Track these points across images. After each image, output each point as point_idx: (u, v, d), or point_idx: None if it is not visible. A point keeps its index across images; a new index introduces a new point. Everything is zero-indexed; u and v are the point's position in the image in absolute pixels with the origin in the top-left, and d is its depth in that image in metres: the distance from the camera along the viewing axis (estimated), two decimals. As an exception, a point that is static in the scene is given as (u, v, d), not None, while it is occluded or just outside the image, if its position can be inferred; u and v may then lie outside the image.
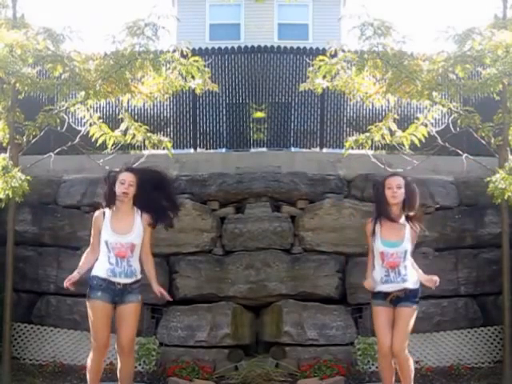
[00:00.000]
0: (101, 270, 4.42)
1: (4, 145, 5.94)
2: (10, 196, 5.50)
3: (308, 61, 6.42)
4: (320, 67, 5.75)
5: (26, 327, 6.68)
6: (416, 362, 6.36)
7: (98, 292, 4.37)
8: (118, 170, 4.57)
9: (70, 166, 7.27)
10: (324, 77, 5.78)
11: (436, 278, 4.55)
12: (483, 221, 6.85)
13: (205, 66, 5.83)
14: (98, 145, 6.13)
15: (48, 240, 7.03)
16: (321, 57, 5.80)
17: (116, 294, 4.40)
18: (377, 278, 4.52)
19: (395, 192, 4.47)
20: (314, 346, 6.42)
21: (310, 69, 5.87)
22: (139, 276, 4.51)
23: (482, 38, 5.57)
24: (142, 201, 4.51)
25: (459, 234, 6.86)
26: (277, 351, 6.47)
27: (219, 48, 9.59)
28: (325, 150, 9.31)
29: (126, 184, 4.42)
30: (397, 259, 4.42)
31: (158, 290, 4.59)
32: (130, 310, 4.43)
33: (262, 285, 6.56)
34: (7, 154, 5.77)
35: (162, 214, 4.59)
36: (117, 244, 4.40)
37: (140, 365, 6.34)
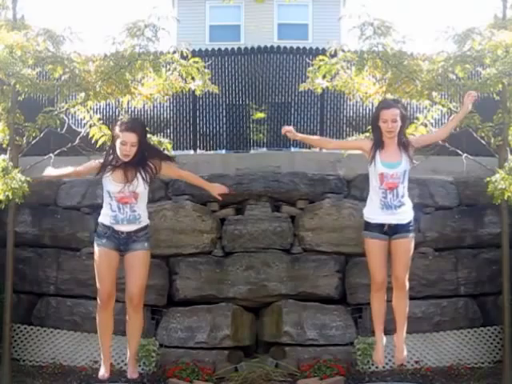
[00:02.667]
0: (104, 217, 4.29)
1: (4, 146, 5.94)
2: (10, 197, 5.50)
3: (308, 61, 6.42)
4: (320, 67, 5.74)
5: (25, 328, 6.68)
6: (416, 362, 6.38)
7: (103, 239, 4.25)
8: (117, 125, 4.31)
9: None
10: (324, 77, 5.78)
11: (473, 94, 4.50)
12: (483, 221, 6.85)
13: (205, 67, 5.83)
14: (97, 146, 6.12)
15: (48, 241, 7.03)
16: (321, 57, 5.80)
17: (121, 242, 4.25)
18: (374, 202, 4.33)
19: (391, 127, 4.27)
20: (314, 346, 6.43)
21: (310, 69, 5.87)
22: (144, 223, 4.31)
23: (481, 38, 5.57)
24: (142, 153, 4.27)
25: (459, 234, 6.86)
26: (277, 351, 6.48)
27: (219, 49, 9.59)
28: (324, 149, 9.31)
29: (127, 146, 4.18)
30: (396, 180, 4.28)
31: (217, 191, 4.53)
32: (137, 258, 4.26)
33: (262, 285, 6.56)
34: (7, 156, 5.77)
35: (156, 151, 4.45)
36: (119, 193, 4.22)
37: (140, 366, 6.33)
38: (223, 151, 9.53)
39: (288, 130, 4.53)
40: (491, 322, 6.57)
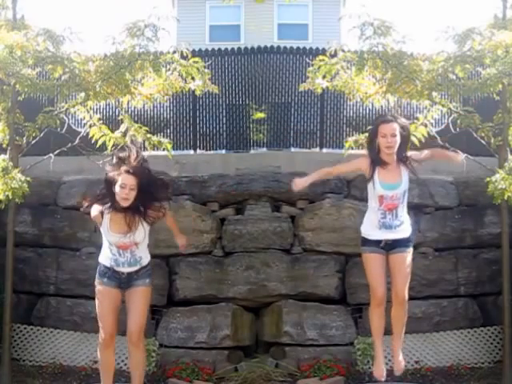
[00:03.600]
0: (105, 258, 4.28)
1: (4, 146, 5.94)
2: (10, 197, 5.50)
3: (308, 61, 6.42)
4: (320, 67, 5.74)
5: (25, 328, 6.68)
6: (416, 362, 6.38)
7: (104, 278, 4.24)
8: (115, 168, 4.23)
9: (70, 168, 7.27)
10: (324, 77, 5.77)
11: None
12: (483, 221, 6.85)
13: (205, 67, 5.83)
14: (97, 146, 6.12)
15: (48, 241, 7.03)
16: (321, 57, 5.80)
17: (122, 281, 4.24)
18: (372, 221, 4.27)
19: (390, 142, 4.18)
20: (314, 346, 6.43)
21: (310, 69, 5.87)
22: (145, 263, 4.30)
23: (481, 38, 5.57)
24: (141, 199, 4.20)
25: (459, 234, 6.86)
26: (277, 351, 6.48)
27: (219, 49, 9.60)
28: (325, 150, 9.32)
29: (126, 189, 4.10)
30: (396, 201, 4.20)
31: (181, 242, 4.62)
32: (138, 295, 4.24)
33: (262, 285, 6.56)
34: (7, 156, 5.77)
35: (158, 194, 4.31)
36: (119, 242, 4.22)
37: (140, 366, 6.33)
38: (223, 151, 9.54)
39: (296, 184, 4.43)
40: (491, 322, 6.56)
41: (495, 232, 6.55)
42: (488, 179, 5.51)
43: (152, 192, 4.24)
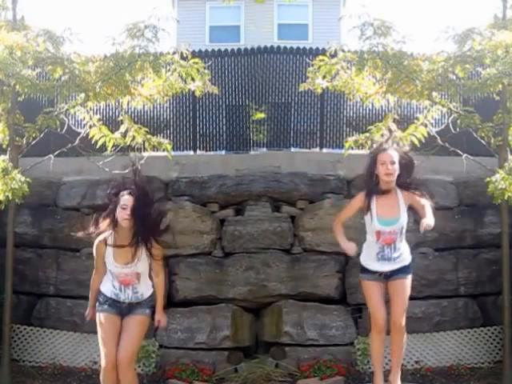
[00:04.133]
0: (106, 289, 4.31)
1: (4, 147, 5.95)
2: (10, 198, 5.50)
3: (308, 61, 6.42)
4: (320, 67, 5.74)
5: (25, 329, 6.68)
6: (416, 362, 6.38)
7: (105, 305, 4.28)
8: (117, 189, 4.28)
9: (70, 168, 7.27)
10: (324, 77, 5.77)
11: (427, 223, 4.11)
12: (483, 221, 6.85)
13: (205, 67, 5.83)
14: (97, 147, 6.12)
15: (48, 242, 7.03)
16: (321, 57, 5.79)
17: (123, 309, 4.28)
18: (370, 254, 4.25)
19: (389, 169, 4.13)
20: (314, 346, 6.42)
21: (310, 69, 5.87)
22: (146, 296, 4.33)
23: (481, 38, 5.57)
24: (139, 223, 4.20)
25: (459, 234, 6.86)
26: (277, 351, 6.47)
27: (219, 50, 9.60)
28: (325, 150, 9.32)
29: (128, 210, 4.15)
30: (393, 236, 4.17)
31: (158, 318, 4.43)
32: (134, 323, 4.25)
33: (262, 285, 6.55)
34: (7, 156, 5.78)
35: (152, 232, 4.29)
36: (121, 274, 4.23)
37: (140, 367, 6.33)
38: (223, 152, 9.53)
39: (351, 250, 4.35)
40: (491, 322, 6.56)
41: (495, 232, 6.54)
42: (488, 179, 5.50)
43: (148, 222, 4.26)
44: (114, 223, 4.22)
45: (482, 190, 5.76)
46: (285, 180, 7.01)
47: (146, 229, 4.21)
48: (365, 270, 4.32)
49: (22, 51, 5.61)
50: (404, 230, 4.25)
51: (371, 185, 4.23)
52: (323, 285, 6.61)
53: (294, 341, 6.43)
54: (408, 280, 4.28)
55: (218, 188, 7.02)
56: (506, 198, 5.43)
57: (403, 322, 4.27)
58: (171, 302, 6.70)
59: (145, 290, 4.32)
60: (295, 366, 6.28)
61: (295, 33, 15.54)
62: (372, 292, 4.27)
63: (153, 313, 4.42)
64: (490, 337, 6.53)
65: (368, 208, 4.20)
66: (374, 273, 4.27)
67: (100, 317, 4.27)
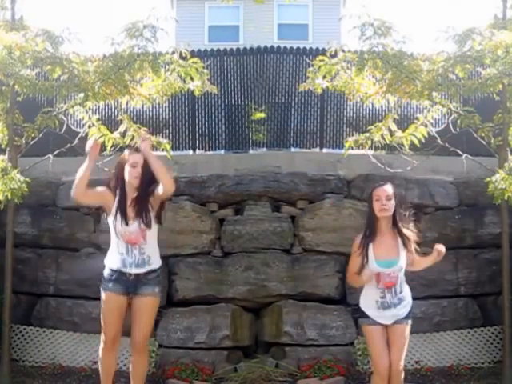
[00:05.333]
0: (111, 260, 4.13)
1: (3, 146, 5.94)
2: (9, 198, 5.49)
3: (308, 61, 6.41)
4: (320, 67, 5.73)
5: (25, 329, 6.67)
6: (416, 362, 6.38)
7: (110, 283, 4.08)
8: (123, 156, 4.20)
9: (69, 168, 7.21)
10: (324, 77, 5.76)
11: (440, 248, 4.24)
12: (483, 221, 6.84)
13: (204, 67, 5.82)
14: (96, 147, 6.09)
15: (47, 242, 7.02)
16: (321, 57, 5.78)
17: (129, 285, 4.07)
18: (371, 301, 4.20)
19: (384, 205, 4.09)
20: (314, 346, 6.42)
21: (310, 69, 5.86)
22: (155, 265, 4.14)
23: (481, 38, 5.56)
24: (147, 183, 4.13)
25: (459, 234, 6.85)
26: (277, 351, 6.47)
27: (218, 50, 9.59)
28: (325, 150, 9.32)
29: (138, 167, 4.05)
30: (393, 279, 4.11)
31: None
32: (145, 305, 4.09)
33: (261, 285, 6.55)
34: (6, 156, 5.77)
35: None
36: (125, 232, 4.05)
37: (140, 366, 6.33)
38: (222, 151, 9.52)
39: (368, 276, 4.23)
40: (491, 322, 6.56)
41: (495, 232, 6.54)
42: (488, 179, 5.50)
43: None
44: (121, 184, 4.10)
45: (482, 189, 5.75)
46: (285, 180, 7.00)
47: (149, 186, 4.10)
48: (365, 315, 4.25)
49: (21, 51, 5.59)
50: (403, 272, 4.22)
51: (370, 229, 4.19)
52: (323, 285, 6.61)
53: (294, 341, 6.42)
54: (408, 326, 4.25)
55: (217, 188, 7.02)
56: (506, 197, 5.42)
57: (401, 367, 4.23)
58: (171, 302, 6.70)
59: (152, 252, 4.11)
60: (295, 366, 6.28)
61: (295, 33, 15.55)
62: (374, 338, 4.19)
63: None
64: (490, 337, 6.53)
65: (365, 250, 4.14)
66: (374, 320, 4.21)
67: (105, 295, 4.11)
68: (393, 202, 4.11)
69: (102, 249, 6.17)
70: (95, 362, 6.30)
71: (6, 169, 5.54)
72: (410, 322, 4.27)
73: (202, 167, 7.43)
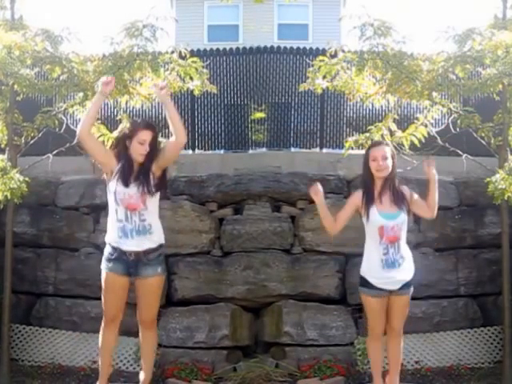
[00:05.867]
0: (111, 233, 3.94)
1: (2, 146, 5.93)
2: (9, 197, 5.49)
3: (308, 61, 6.40)
4: (320, 67, 5.73)
5: (24, 329, 6.66)
6: (416, 362, 6.37)
7: (110, 262, 3.91)
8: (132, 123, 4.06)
9: (69, 168, 7.26)
10: (324, 77, 5.76)
11: (426, 161, 4.24)
12: (483, 221, 6.84)
13: (203, 67, 5.82)
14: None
15: (46, 241, 7.02)
16: (321, 57, 5.78)
17: (130, 265, 3.88)
18: (373, 261, 4.06)
19: (381, 165, 4.03)
20: (314, 347, 6.41)
21: (310, 69, 5.85)
22: (157, 237, 3.92)
23: (481, 39, 5.56)
24: (152, 156, 3.98)
25: (459, 234, 6.85)
26: (277, 351, 6.47)
27: (217, 49, 9.58)
28: (325, 150, 9.32)
29: (145, 145, 3.87)
30: (397, 232, 4.02)
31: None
32: (149, 287, 3.92)
33: (262, 285, 6.54)
34: (5, 156, 5.76)
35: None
36: (125, 195, 3.84)
37: (139, 366, 6.31)
38: (222, 151, 9.52)
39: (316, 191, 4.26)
40: (491, 322, 6.56)
41: (495, 232, 6.54)
42: (488, 179, 5.49)
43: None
44: (124, 155, 3.93)
45: (482, 190, 5.75)
46: (285, 180, 7.00)
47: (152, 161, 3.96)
48: (367, 284, 4.13)
49: (21, 50, 5.59)
50: (405, 229, 4.15)
51: (368, 185, 4.15)
52: (323, 285, 6.61)
53: (294, 341, 6.42)
54: (410, 294, 4.21)
55: (216, 187, 7.02)
56: (506, 198, 5.42)
57: (401, 329, 4.29)
58: (170, 302, 6.70)
59: (153, 221, 3.90)
60: (295, 366, 6.28)
61: (295, 33, 15.55)
62: (374, 309, 4.16)
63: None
64: (490, 337, 6.53)
65: (367, 208, 4.09)
66: (377, 289, 4.12)
67: (105, 275, 3.97)
68: (389, 162, 4.06)
69: (101, 249, 6.11)
70: (94, 362, 6.29)
71: (6, 168, 5.53)
72: (411, 289, 4.21)
73: (202, 167, 7.43)
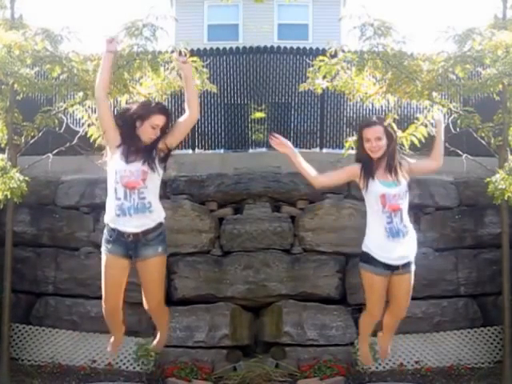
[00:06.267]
0: (109, 213, 3.75)
1: (2, 146, 5.93)
2: (9, 197, 5.48)
3: (308, 61, 6.40)
4: (320, 67, 5.72)
5: (24, 328, 6.67)
6: (416, 362, 6.38)
7: (109, 244, 3.75)
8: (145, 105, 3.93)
9: (69, 167, 7.26)
10: (324, 77, 5.74)
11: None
12: (483, 221, 6.85)
13: (203, 66, 5.81)
14: (96, 145, 6.09)
15: (46, 241, 7.02)
16: (321, 57, 5.77)
17: (129, 247, 3.72)
18: (378, 232, 3.82)
19: (374, 146, 3.87)
20: (314, 347, 6.43)
21: (310, 69, 5.84)
22: (156, 216, 3.73)
23: (481, 38, 5.55)
24: (156, 140, 3.85)
25: (459, 234, 6.85)
26: (277, 351, 6.47)
27: (217, 48, 9.57)
28: (325, 150, 9.30)
29: (157, 129, 3.72)
30: (399, 201, 3.83)
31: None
32: (151, 266, 3.74)
33: (262, 285, 6.54)
34: (5, 155, 5.76)
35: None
36: (126, 171, 3.69)
37: (139, 365, 6.33)
38: (221, 151, 9.52)
39: (281, 143, 4.12)
40: (491, 322, 6.57)
41: (495, 232, 6.54)
42: (488, 179, 5.49)
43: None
44: (131, 135, 3.76)
45: (482, 190, 5.74)
46: (285, 180, 7.00)
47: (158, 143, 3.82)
48: (371, 260, 3.84)
49: (20, 50, 5.58)
50: (407, 200, 3.93)
51: (365, 158, 3.97)
52: (323, 285, 6.61)
53: (294, 341, 6.43)
54: (412, 272, 3.95)
55: (216, 187, 7.02)
56: (506, 198, 5.41)
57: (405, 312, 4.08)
58: (170, 301, 6.70)
59: (153, 199, 3.73)
60: (295, 366, 6.29)
61: (295, 33, 15.52)
62: (375, 288, 3.92)
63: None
64: (490, 337, 6.53)
65: (367, 180, 3.89)
66: (381, 265, 3.84)
67: (105, 258, 3.82)
68: (383, 142, 3.89)
69: (101, 248, 6.16)
70: (94, 361, 6.31)
71: (6, 168, 5.52)
72: (414, 267, 3.95)
73: (202, 166, 7.43)
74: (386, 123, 3.98)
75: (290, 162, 4.19)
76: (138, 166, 3.72)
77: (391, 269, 3.87)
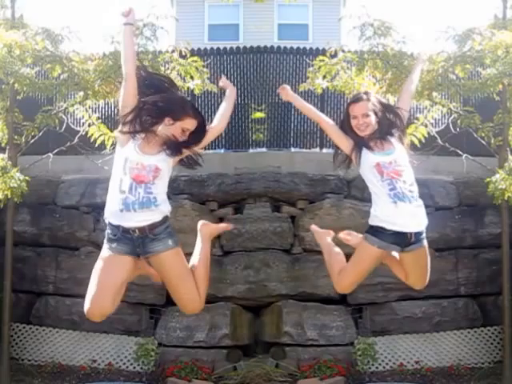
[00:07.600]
0: (110, 206, 3.38)
1: (3, 145, 5.94)
2: (9, 196, 5.49)
3: (308, 61, 6.40)
4: (320, 67, 5.73)
5: (24, 328, 6.67)
6: (416, 362, 6.37)
7: (113, 243, 3.34)
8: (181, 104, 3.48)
9: (69, 167, 7.26)
10: (324, 77, 5.76)
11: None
12: (483, 221, 6.84)
13: (203, 66, 5.82)
14: (96, 145, 6.10)
15: (47, 240, 7.01)
16: (321, 57, 5.78)
17: (136, 244, 3.36)
18: (384, 200, 3.43)
19: (361, 124, 3.54)
20: (314, 347, 6.42)
21: (310, 69, 5.86)
22: (162, 210, 3.40)
23: (481, 38, 5.56)
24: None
25: (459, 234, 6.85)
26: (277, 351, 6.46)
27: (218, 48, 9.57)
28: (325, 150, 9.29)
29: (186, 133, 3.42)
30: (397, 167, 3.46)
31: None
32: (168, 262, 3.45)
33: (262, 285, 6.54)
34: (6, 155, 5.76)
35: None
36: (137, 164, 3.33)
37: (139, 365, 6.33)
38: (222, 150, 9.51)
39: (284, 89, 3.87)
40: (491, 322, 6.56)
41: (495, 232, 6.54)
42: (488, 179, 5.50)
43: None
44: (150, 128, 3.40)
45: (482, 190, 5.76)
46: (285, 180, 7.00)
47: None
48: (376, 232, 3.44)
49: (21, 49, 5.59)
50: (408, 165, 3.55)
51: (355, 136, 3.57)
52: (323, 285, 6.60)
53: (294, 341, 6.42)
54: (427, 248, 3.49)
55: (217, 186, 7.01)
56: (506, 198, 5.42)
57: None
58: (170, 301, 6.69)
59: (160, 196, 3.41)
60: (295, 366, 6.28)
61: (295, 33, 15.48)
62: (372, 260, 3.54)
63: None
64: (490, 337, 6.53)
65: (359, 153, 3.53)
66: (391, 237, 3.41)
67: (105, 256, 3.36)
68: (371, 118, 3.52)
69: (101, 248, 6.16)
70: (94, 361, 6.31)
71: (6, 167, 5.54)
72: (426, 241, 3.47)
73: (202, 166, 7.42)
74: (373, 98, 3.62)
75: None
76: (150, 160, 3.38)
77: (402, 241, 3.45)
